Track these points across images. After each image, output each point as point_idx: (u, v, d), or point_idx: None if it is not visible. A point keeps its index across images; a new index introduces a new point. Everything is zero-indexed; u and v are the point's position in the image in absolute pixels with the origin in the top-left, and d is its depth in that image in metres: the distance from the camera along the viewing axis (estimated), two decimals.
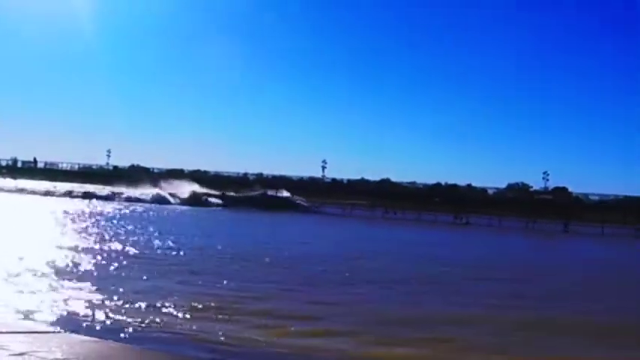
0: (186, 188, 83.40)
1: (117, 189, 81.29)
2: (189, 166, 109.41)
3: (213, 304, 12.63)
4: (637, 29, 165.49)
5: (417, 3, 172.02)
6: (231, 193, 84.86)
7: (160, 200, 75.92)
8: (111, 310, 11.40)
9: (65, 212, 40.50)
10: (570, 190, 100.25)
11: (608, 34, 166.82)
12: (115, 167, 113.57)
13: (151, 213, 51.45)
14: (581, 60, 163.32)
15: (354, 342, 10.75)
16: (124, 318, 10.95)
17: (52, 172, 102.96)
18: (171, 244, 24.58)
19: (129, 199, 75.37)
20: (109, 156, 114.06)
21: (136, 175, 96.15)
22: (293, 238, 36.03)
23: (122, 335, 9.70)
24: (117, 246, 22.31)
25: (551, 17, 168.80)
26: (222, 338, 10.07)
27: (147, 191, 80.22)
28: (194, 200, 78.07)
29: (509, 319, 13.91)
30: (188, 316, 11.55)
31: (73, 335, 8.74)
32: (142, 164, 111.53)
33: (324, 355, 9.82)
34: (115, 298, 12.50)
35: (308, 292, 15.52)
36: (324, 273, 19.82)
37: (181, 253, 21.88)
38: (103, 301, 12.18)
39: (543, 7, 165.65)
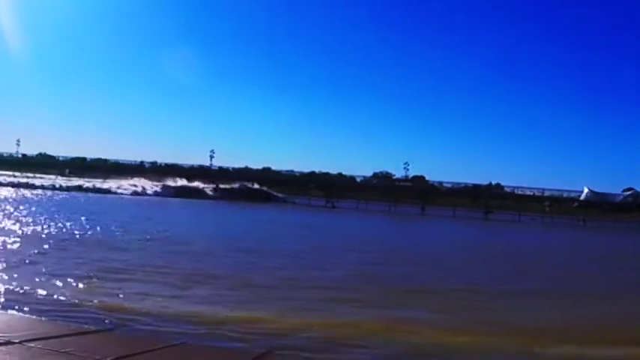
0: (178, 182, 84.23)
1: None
2: (90, 154, 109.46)
3: None
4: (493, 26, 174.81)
5: None
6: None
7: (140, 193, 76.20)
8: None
9: None
10: (427, 178, 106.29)
11: (469, 33, 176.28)
12: (24, 155, 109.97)
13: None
14: (435, 59, 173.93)
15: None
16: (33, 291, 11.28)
17: None
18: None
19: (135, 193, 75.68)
20: (18, 145, 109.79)
21: (44, 163, 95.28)
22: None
23: (26, 308, 9.86)
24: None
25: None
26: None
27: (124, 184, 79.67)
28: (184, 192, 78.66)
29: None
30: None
31: None
32: (49, 152, 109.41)
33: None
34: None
35: None
36: None
37: None
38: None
39: None
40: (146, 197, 72.22)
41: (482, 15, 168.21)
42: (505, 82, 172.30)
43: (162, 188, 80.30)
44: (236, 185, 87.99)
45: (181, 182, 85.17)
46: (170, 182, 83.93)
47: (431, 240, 40.75)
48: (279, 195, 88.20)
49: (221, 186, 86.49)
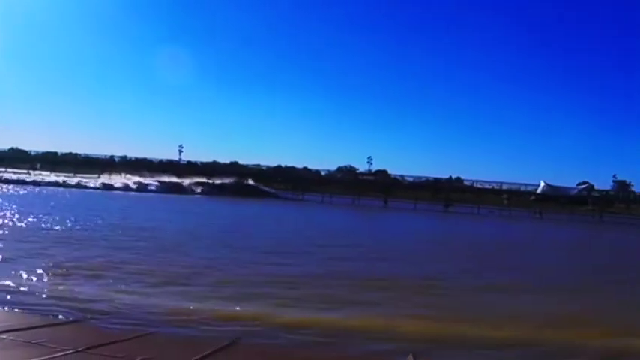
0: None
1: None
2: (63, 149, 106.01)
3: None
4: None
5: None
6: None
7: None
8: None
9: None
10: (390, 172, 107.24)
11: (429, 30, 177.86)
12: None
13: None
14: (396, 56, 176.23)
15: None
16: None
17: None
18: None
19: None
20: None
21: (16, 157, 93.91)
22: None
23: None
24: None
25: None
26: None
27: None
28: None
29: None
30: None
31: None
32: (22, 147, 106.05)
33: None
34: None
35: None
36: None
37: None
38: None
39: None
40: (148, 194, 72.02)
41: (439, 10, 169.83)
42: (464, 78, 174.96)
43: (159, 184, 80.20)
44: (230, 181, 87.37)
45: (176, 179, 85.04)
46: (165, 178, 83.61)
47: (394, 232, 41.20)
48: (271, 190, 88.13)
49: (216, 182, 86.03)
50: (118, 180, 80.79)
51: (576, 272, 21.96)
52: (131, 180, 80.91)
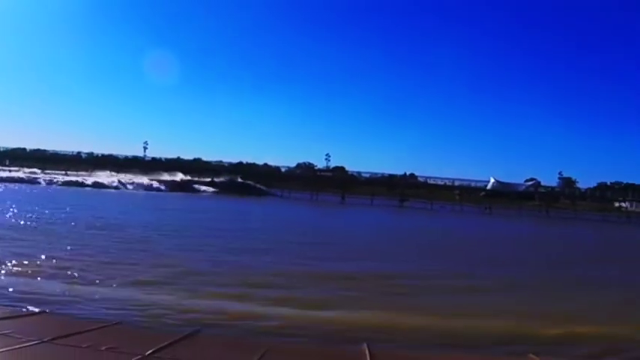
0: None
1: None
2: (30, 144, 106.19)
3: None
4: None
5: None
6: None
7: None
8: None
9: None
10: (347, 168, 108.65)
11: (384, 29, 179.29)
12: None
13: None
14: (352, 55, 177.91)
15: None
16: None
17: None
18: None
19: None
20: None
21: None
22: None
23: None
24: None
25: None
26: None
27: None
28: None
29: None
30: None
31: None
32: None
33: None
34: None
35: None
36: None
37: None
38: None
39: None
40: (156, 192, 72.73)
41: (397, 12, 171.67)
42: (418, 78, 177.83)
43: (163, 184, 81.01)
44: (225, 179, 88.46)
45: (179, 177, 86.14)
46: (167, 177, 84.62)
47: (353, 227, 41.65)
48: (263, 188, 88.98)
49: (215, 180, 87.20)
50: (106, 178, 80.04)
51: (523, 264, 22.69)
52: (116, 177, 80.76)
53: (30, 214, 25.93)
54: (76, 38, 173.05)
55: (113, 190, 70.08)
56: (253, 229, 28.60)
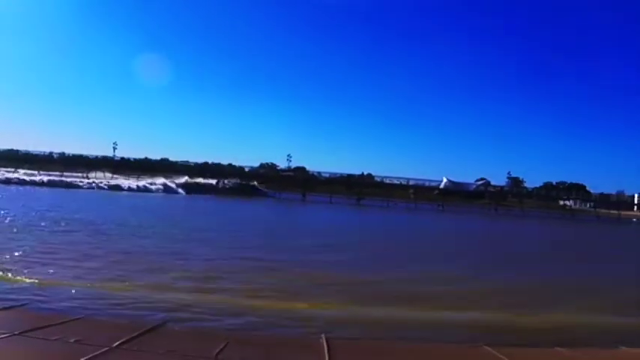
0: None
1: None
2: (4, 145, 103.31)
3: None
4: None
5: None
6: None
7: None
8: None
9: None
10: (308, 168, 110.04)
11: (344, 33, 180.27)
12: None
13: None
14: (312, 59, 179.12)
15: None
16: None
17: None
18: None
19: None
20: None
21: None
22: None
23: None
24: None
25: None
26: None
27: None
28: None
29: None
30: None
31: None
32: None
33: None
34: None
35: None
36: None
37: None
38: None
39: None
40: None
41: (353, 11, 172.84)
42: (375, 80, 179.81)
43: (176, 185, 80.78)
44: (230, 182, 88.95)
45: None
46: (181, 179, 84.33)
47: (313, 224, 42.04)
48: (264, 189, 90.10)
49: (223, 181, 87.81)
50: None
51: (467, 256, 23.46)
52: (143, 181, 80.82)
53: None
54: (47, 39, 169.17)
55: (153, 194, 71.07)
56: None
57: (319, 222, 44.64)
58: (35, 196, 45.48)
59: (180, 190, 78.08)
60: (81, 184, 73.63)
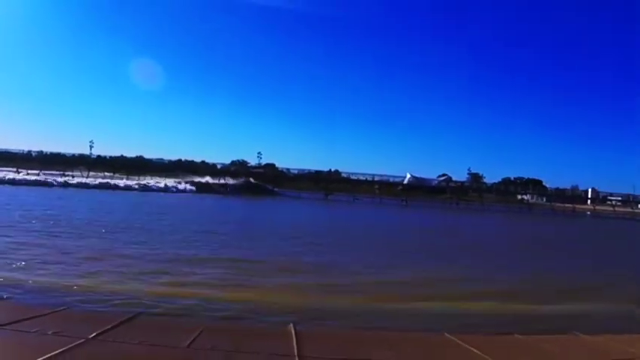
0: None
1: None
2: None
3: None
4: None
5: None
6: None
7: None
8: None
9: None
10: (277, 165, 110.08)
11: (310, 37, 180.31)
12: None
13: None
14: (281, 61, 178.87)
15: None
16: None
17: None
18: None
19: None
20: None
21: None
22: None
23: None
24: None
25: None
26: None
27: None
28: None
29: None
30: None
31: None
32: None
33: None
34: None
35: None
36: None
37: None
38: None
39: None
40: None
41: (321, 17, 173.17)
42: (340, 81, 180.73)
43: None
44: (240, 181, 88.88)
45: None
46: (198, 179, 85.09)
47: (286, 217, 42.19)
48: (274, 189, 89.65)
49: (230, 182, 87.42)
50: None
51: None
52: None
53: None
54: (22, 39, 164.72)
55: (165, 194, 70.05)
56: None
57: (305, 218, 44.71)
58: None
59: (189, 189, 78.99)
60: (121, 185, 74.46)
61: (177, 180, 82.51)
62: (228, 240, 21.49)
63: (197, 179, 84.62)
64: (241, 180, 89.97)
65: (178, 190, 75.82)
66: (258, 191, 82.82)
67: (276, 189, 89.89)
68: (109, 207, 36.98)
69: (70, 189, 62.51)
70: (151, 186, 76.40)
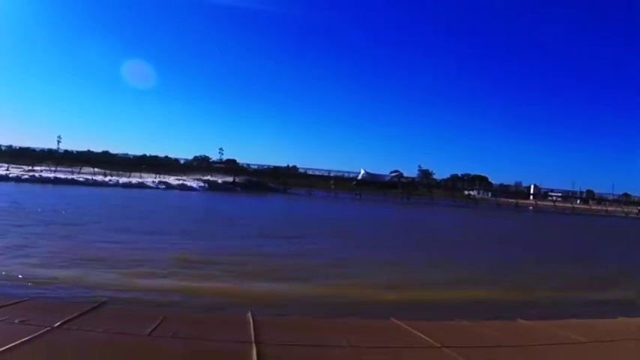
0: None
1: None
2: None
3: None
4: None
5: None
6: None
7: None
8: None
9: None
10: (238, 160, 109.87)
11: (271, 35, 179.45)
12: None
13: None
14: (242, 61, 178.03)
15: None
16: None
17: None
18: None
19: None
20: None
21: None
22: None
23: None
24: None
25: None
26: None
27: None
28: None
29: None
30: None
31: None
32: None
33: None
34: None
35: None
36: None
37: None
38: None
39: None
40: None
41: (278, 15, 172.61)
42: (299, 80, 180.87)
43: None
44: (242, 179, 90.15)
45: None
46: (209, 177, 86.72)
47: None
48: (273, 186, 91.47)
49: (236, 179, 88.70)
50: None
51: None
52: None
53: None
54: None
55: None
56: None
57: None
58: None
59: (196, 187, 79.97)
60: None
61: (195, 178, 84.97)
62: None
63: (208, 178, 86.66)
64: (244, 178, 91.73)
65: (193, 188, 77.99)
66: (261, 188, 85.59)
67: (271, 185, 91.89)
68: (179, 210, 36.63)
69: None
70: (171, 183, 79.14)
